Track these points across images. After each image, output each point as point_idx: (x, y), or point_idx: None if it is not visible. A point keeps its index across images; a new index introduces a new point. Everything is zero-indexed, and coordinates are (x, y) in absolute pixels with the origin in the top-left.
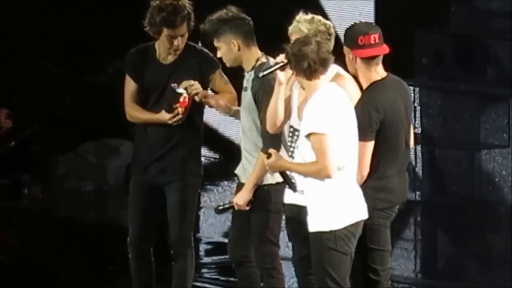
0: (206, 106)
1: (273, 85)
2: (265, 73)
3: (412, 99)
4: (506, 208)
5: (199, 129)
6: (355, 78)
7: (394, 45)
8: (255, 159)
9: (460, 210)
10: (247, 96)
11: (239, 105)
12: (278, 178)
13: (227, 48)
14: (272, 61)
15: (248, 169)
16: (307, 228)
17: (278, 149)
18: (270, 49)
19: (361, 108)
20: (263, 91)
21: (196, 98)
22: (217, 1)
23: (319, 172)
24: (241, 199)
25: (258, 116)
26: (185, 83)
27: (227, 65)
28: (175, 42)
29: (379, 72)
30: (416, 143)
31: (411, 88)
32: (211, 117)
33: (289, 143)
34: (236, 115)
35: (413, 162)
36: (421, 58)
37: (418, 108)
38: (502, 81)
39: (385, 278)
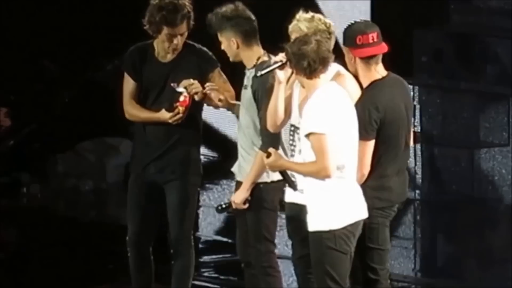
0: (205, 105)
1: (272, 84)
2: (263, 72)
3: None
4: (506, 206)
5: (198, 127)
6: (355, 77)
7: (393, 43)
8: (251, 157)
9: (460, 209)
10: (246, 94)
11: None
12: (273, 176)
13: (227, 44)
14: (272, 60)
15: (244, 167)
16: (307, 227)
17: (276, 148)
18: (269, 47)
19: (361, 107)
20: (263, 89)
21: (196, 97)
22: (216, 0)
23: (318, 172)
24: (238, 197)
25: (257, 115)
26: (185, 82)
27: (230, 59)
28: (175, 41)
29: (379, 71)
30: (415, 142)
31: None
32: (210, 115)
33: (290, 142)
34: (236, 111)
35: (413, 161)
36: (421, 57)
37: (418, 106)
38: (502, 79)
39: (384, 277)
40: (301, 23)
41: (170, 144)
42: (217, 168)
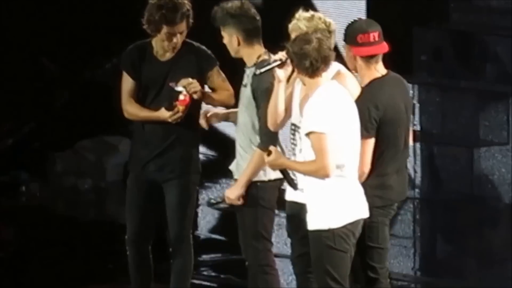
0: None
1: (272, 83)
2: (262, 70)
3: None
4: (505, 205)
5: (197, 126)
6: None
7: (392, 42)
8: (249, 155)
9: (459, 208)
10: (246, 92)
11: (236, 101)
12: (270, 175)
13: (229, 40)
14: (272, 59)
15: (242, 165)
16: (307, 226)
17: (275, 146)
18: (269, 46)
19: (360, 105)
20: (262, 88)
21: (195, 96)
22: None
23: (317, 171)
24: (233, 193)
25: (257, 113)
26: (184, 81)
27: (231, 55)
28: (174, 40)
29: (379, 69)
30: (415, 140)
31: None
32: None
33: (291, 141)
34: (234, 119)
35: (412, 160)
36: (420, 55)
37: (417, 105)
38: (502, 78)
39: (384, 276)
40: (300, 22)
41: (169, 143)
42: (216, 166)
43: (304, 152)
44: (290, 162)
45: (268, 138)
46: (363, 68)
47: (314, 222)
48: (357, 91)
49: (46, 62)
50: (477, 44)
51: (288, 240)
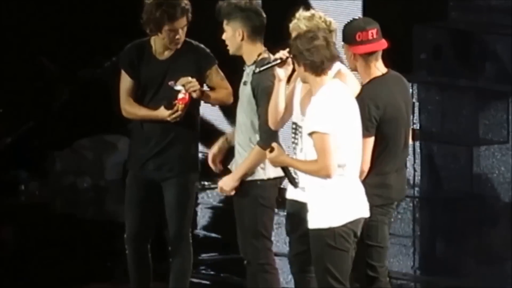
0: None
1: (273, 81)
2: (262, 68)
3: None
4: (505, 204)
5: (195, 125)
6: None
7: (392, 40)
8: (247, 154)
9: (459, 206)
10: (246, 90)
11: (235, 100)
12: (270, 173)
13: (232, 34)
14: (272, 57)
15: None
16: (306, 225)
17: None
18: (270, 45)
19: (360, 104)
20: (262, 86)
21: (194, 95)
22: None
23: (319, 171)
24: (227, 185)
25: (256, 111)
26: (182, 80)
27: (230, 51)
28: (177, 36)
29: (379, 67)
30: (414, 139)
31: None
32: (208, 112)
33: (292, 139)
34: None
35: (412, 158)
36: (420, 54)
37: (417, 104)
38: (501, 77)
39: (383, 275)
40: (300, 21)
41: (167, 142)
42: None
43: (305, 151)
44: (292, 160)
45: (268, 136)
46: (363, 66)
47: (315, 220)
48: (357, 90)
49: (45, 62)
50: (477, 43)
51: (288, 239)
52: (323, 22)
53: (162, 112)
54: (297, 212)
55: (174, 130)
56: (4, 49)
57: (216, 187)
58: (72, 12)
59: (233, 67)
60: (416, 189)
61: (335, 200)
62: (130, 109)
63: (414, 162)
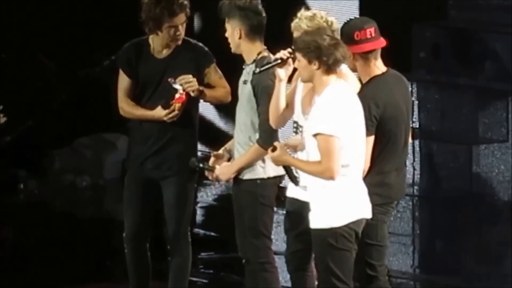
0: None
1: (273, 80)
2: (262, 69)
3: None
4: (505, 202)
5: (194, 123)
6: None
7: (391, 39)
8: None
9: (458, 205)
10: (245, 89)
11: (233, 99)
12: (270, 172)
13: (231, 32)
14: (272, 57)
15: None
16: (305, 223)
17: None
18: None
19: (361, 103)
20: (263, 85)
21: (192, 94)
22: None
23: (322, 173)
24: (224, 175)
25: (256, 110)
26: (182, 78)
27: (232, 49)
28: (178, 32)
29: (379, 66)
30: (414, 138)
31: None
32: (207, 111)
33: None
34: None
35: (411, 157)
36: (419, 53)
37: (416, 102)
38: (501, 75)
39: (382, 274)
40: (302, 21)
41: (166, 140)
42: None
43: (308, 151)
44: (294, 160)
45: (268, 135)
46: (362, 65)
47: (317, 220)
48: (357, 90)
49: (44, 60)
50: (476, 41)
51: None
52: (324, 22)
53: (159, 112)
54: (297, 210)
55: (173, 129)
56: (4, 47)
57: (215, 185)
58: (72, 12)
59: (232, 66)
60: (416, 187)
61: (337, 200)
62: (128, 108)
63: (414, 160)
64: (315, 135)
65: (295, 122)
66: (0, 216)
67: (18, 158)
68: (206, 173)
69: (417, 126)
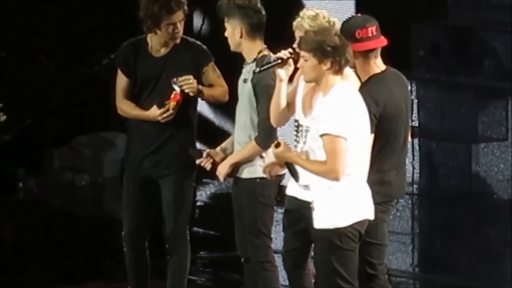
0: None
1: (274, 79)
2: (262, 68)
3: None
4: (504, 201)
5: (192, 122)
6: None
7: (390, 37)
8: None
9: (458, 204)
10: (245, 88)
11: (231, 98)
12: None
13: (231, 31)
14: (273, 56)
15: None
16: (303, 222)
17: (272, 142)
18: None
19: None
20: (263, 84)
21: (191, 93)
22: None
23: (327, 173)
24: (221, 170)
25: (256, 108)
26: (183, 79)
27: (231, 48)
28: (176, 30)
29: (378, 65)
30: (413, 137)
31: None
32: (205, 109)
33: (294, 137)
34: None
35: (411, 156)
36: (418, 51)
37: (415, 101)
38: (500, 74)
39: (382, 272)
40: (304, 20)
41: (164, 139)
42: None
43: (314, 151)
44: (298, 158)
45: (266, 133)
46: (362, 64)
47: (322, 220)
48: (357, 88)
49: (43, 59)
50: (476, 40)
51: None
52: (326, 22)
53: (153, 112)
54: (296, 209)
55: (171, 127)
56: (3, 46)
57: (214, 183)
58: (72, 11)
59: (232, 65)
60: (415, 186)
61: (342, 200)
62: (124, 107)
63: (413, 159)
64: (321, 135)
65: (296, 121)
66: None
67: (17, 156)
68: (204, 162)
69: (417, 125)
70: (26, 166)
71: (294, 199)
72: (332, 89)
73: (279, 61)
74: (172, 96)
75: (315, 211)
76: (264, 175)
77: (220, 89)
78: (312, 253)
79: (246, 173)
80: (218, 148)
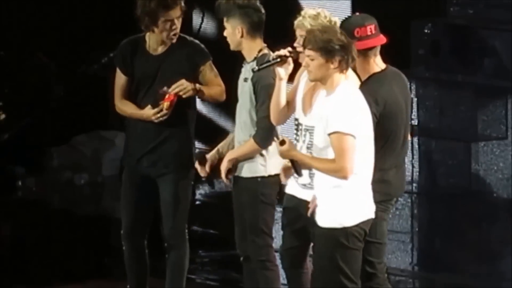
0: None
1: (274, 77)
2: (261, 67)
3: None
4: (504, 200)
5: (191, 121)
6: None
7: (390, 36)
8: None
9: (457, 202)
10: (245, 87)
11: (230, 97)
12: (271, 170)
13: (232, 31)
14: (272, 55)
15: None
16: (302, 221)
17: (272, 141)
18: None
19: None
20: (264, 83)
21: (187, 94)
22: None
23: (335, 172)
24: (221, 167)
25: (255, 106)
26: (174, 87)
27: (231, 47)
28: (174, 26)
29: (378, 63)
30: (412, 135)
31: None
32: (203, 108)
33: (294, 136)
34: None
35: (410, 154)
36: (418, 50)
37: (415, 100)
38: (500, 72)
39: (381, 271)
40: (305, 19)
41: (162, 138)
42: None
43: (319, 150)
44: (304, 156)
45: (265, 132)
46: (362, 62)
47: (328, 219)
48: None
49: (42, 58)
50: (475, 38)
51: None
52: (328, 22)
53: (147, 112)
54: (294, 207)
55: (169, 126)
56: (2, 45)
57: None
58: (71, 11)
59: (231, 65)
60: (414, 185)
61: (349, 199)
62: (121, 106)
63: (412, 158)
64: (330, 134)
65: (296, 119)
66: None
67: (17, 155)
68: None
69: (416, 123)
70: (26, 164)
71: (292, 197)
72: (338, 88)
73: (278, 59)
74: (166, 96)
75: (319, 209)
76: (265, 174)
77: (217, 88)
78: (311, 252)
79: (247, 172)
80: (215, 150)
